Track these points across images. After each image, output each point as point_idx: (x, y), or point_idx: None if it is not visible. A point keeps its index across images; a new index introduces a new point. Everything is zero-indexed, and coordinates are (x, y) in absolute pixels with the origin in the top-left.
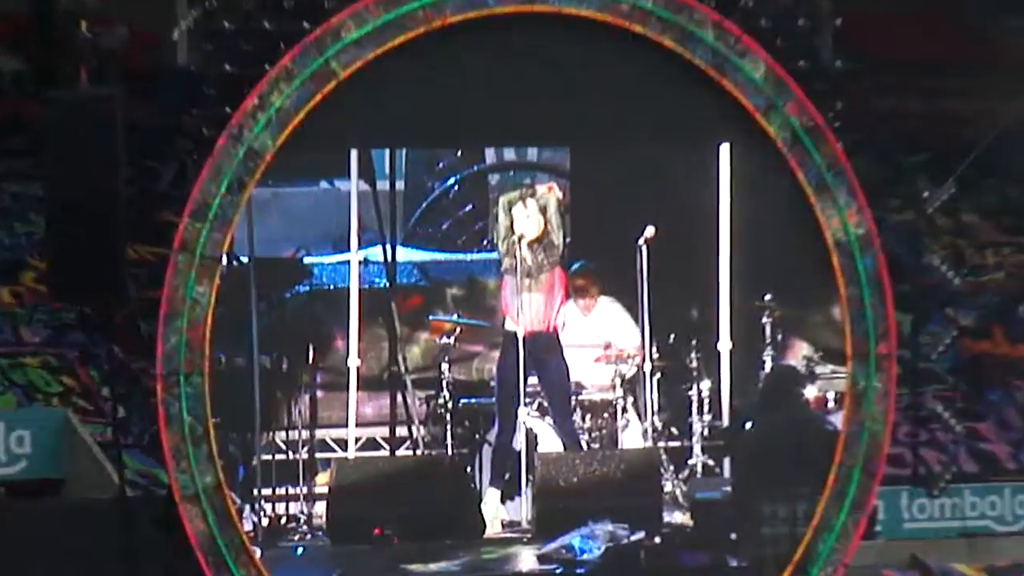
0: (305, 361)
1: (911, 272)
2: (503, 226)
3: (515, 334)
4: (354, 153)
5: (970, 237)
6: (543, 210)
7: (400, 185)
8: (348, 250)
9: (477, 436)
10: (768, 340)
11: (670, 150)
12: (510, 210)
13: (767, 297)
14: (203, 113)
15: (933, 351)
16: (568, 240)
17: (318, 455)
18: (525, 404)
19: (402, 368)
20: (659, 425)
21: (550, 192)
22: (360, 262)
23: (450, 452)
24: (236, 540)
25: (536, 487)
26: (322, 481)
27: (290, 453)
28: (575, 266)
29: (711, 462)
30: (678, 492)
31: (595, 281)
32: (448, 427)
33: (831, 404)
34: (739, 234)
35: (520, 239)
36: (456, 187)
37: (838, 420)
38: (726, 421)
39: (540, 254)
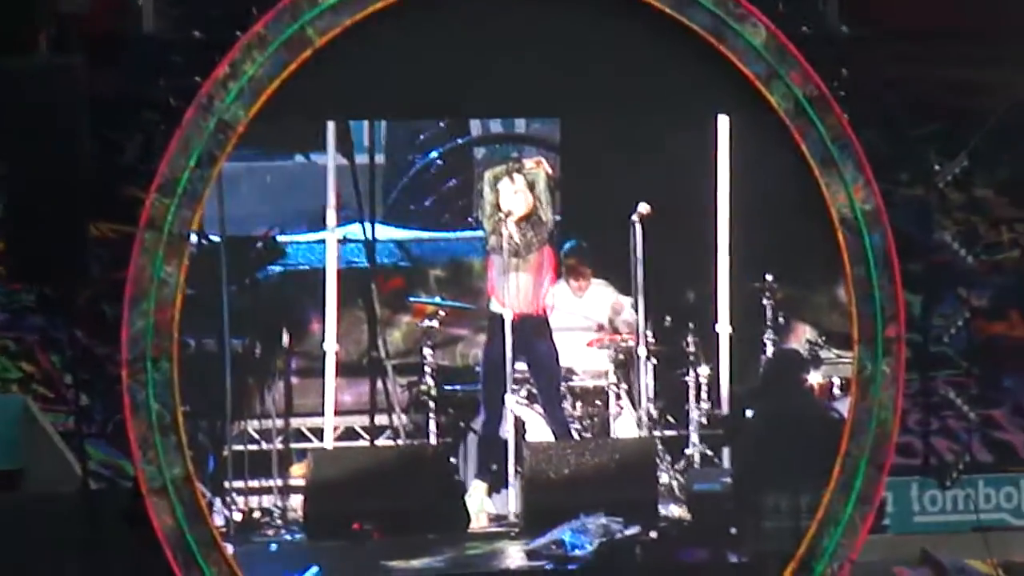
0: (279, 346)
1: (921, 250)
2: (488, 203)
3: (502, 317)
4: (331, 125)
5: (984, 213)
6: (531, 186)
7: (380, 159)
8: (325, 228)
9: (462, 425)
10: (769, 323)
11: (666, 122)
12: (496, 185)
13: (768, 277)
14: (171, 82)
15: (945, 334)
16: (558, 217)
17: (293, 445)
18: (512, 391)
19: (382, 353)
20: (655, 413)
21: (539, 167)
22: (338, 241)
23: (433, 442)
24: (206, 535)
25: (524, 479)
26: (297, 473)
27: (264, 443)
28: (567, 246)
29: (709, 452)
30: (675, 484)
31: (588, 261)
32: (431, 415)
33: (836, 391)
34: (739, 211)
35: (507, 216)
36: (439, 161)
37: (844, 407)
38: (725, 409)
39: (528, 232)
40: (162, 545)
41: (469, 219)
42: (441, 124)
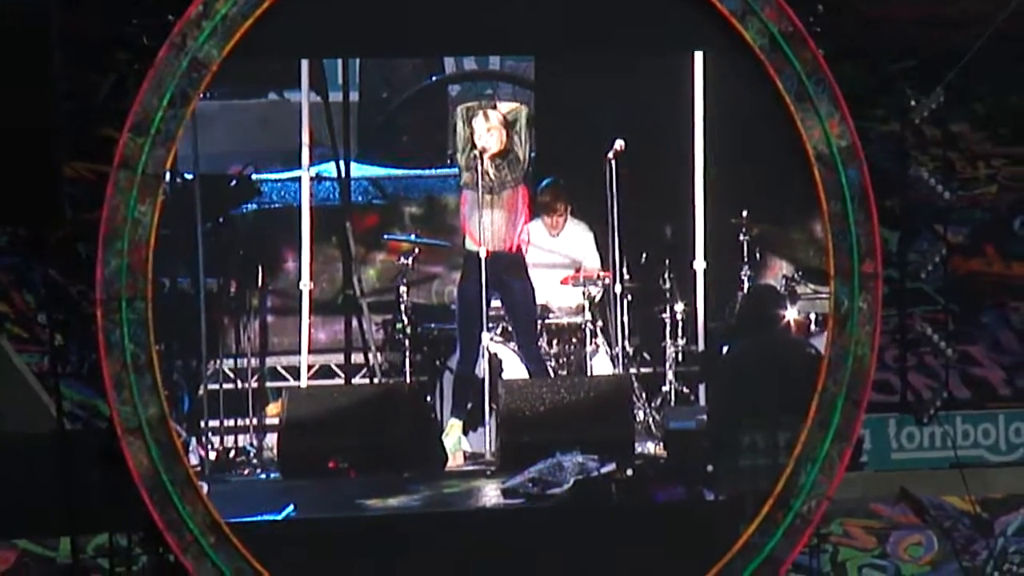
0: (254, 284)
1: (897, 186)
2: (462, 138)
3: (477, 254)
4: (305, 63)
5: (961, 148)
6: (510, 124)
7: (354, 97)
8: (299, 166)
9: (437, 363)
10: (746, 259)
11: (641, 59)
12: (470, 121)
13: (744, 213)
14: (144, 21)
15: (922, 270)
16: (533, 155)
17: (268, 384)
18: (488, 329)
19: (357, 291)
20: (630, 350)
21: (520, 108)
22: (312, 179)
23: (409, 380)
24: (182, 475)
25: (500, 417)
26: (273, 411)
27: (239, 382)
28: (542, 183)
29: (686, 389)
30: (651, 421)
31: (563, 198)
32: (406, 354)
33: (813, 327)
34: (714, 147)
35: (481, 153)
36: (414, 98)
37: (820, 343)
38: (701, 345)
39: (504, 170)
40: (137, 485)
41: (445, 156)
42: (415, 62)
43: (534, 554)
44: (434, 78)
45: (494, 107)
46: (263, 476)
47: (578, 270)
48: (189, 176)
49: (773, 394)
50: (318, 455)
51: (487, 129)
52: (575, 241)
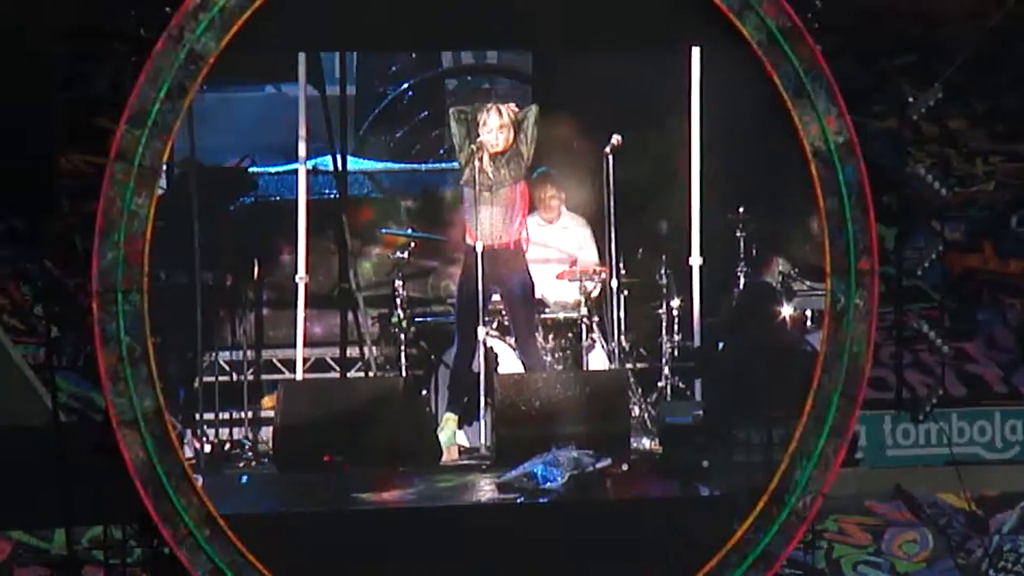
0: (250, 277)
1: (895, 183)
2: (459, 135)
3: (475, 248)
4: (302, 56)
5: (958, 145)
6: (517, 124)
7: (351, 90)
8: (296, 159)
9: (433, 357)
10: (742, 255)
11: (639, 54)
12: (470, 120)
13: (741, 210)
14: (141, 13)
15: (918, 267)
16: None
17: (264, 377)
18: (485, 323)
19: (353, 284)
20: (626, 345)
21: (530, 108)
22: (308, 172)
23: (404, 374)
24: (177, 468)
25: (496, 411)
26: (268, 405)
27: (234, 375)
28: (535, 173)
29: (682, 385)
30: (646, 416)
31: (557, 187)
32: (402, 347)
33: (809, 323)
34: (711, 143)
35: (479, 148)
36: (411, 93)
37: (816, 340)
38: (697, 341)
39: (503, 168)
40: (132, 477)
41: (441, 151)
42: (412, 55)
43: (529, 549)
44: (431, 72)
45: (496, 107)
46: (258, 469)
47: (574, 264)
48: (185, 169)
49: (769, 390)
50: (313, 448)
51: (499, 126)
52: (571, 234)
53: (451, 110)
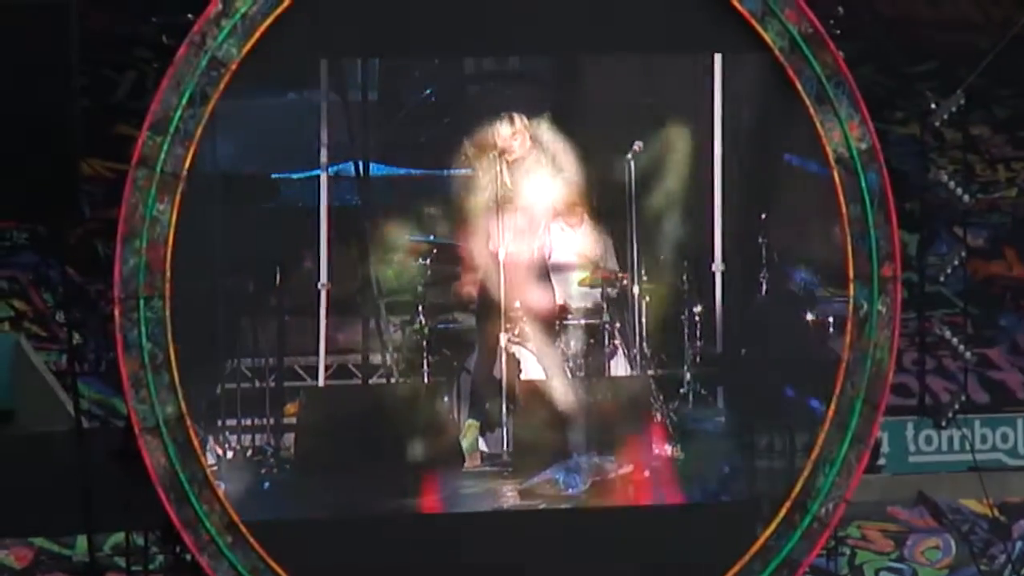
0: (272, 283)
1: (917, 189)
2: (482, 143)
3: (497, 255)
4: (324, 63)
5: (980, 152)
6: (532, 132)
7: (373, 96)
8: (318, 166)
9: (455, 364)
10: (764, 261)
11: (660, 60)
12: (492, 126)
13: (763, 216)
14: (163, 19)
15: (941, 273)
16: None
17: (286, 383)
18: (506, 329)
19: (375, 291)
20: (648, 352)
21: (545, 116)
22: (331, 178)
23: (426, 381)
24: (199, 474)
25: (518, 418)
26: (290, 411)
27: (256, 381)
28: (557, 179)
29: (704, 391)
30: (668, 422)
31: (578, 194)
32: (424, 354)
33: (831, 329)
34: (734, 149)
35: (500, 155)
36: (433, 99)
37: (839, 346)
38: (720, 347)
39: (523, 175)
40: (154, 484)
41: (463, 157)
42: (435, 61)
43: (551, 554)
44: (453, 78)
45: (518, 114)
46: (280, 475)
47: (596, 270)
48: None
49: (791, 397)
50: (335, 455)
51: (511, 133)
52: (593, 240)
53: (479, 114)
